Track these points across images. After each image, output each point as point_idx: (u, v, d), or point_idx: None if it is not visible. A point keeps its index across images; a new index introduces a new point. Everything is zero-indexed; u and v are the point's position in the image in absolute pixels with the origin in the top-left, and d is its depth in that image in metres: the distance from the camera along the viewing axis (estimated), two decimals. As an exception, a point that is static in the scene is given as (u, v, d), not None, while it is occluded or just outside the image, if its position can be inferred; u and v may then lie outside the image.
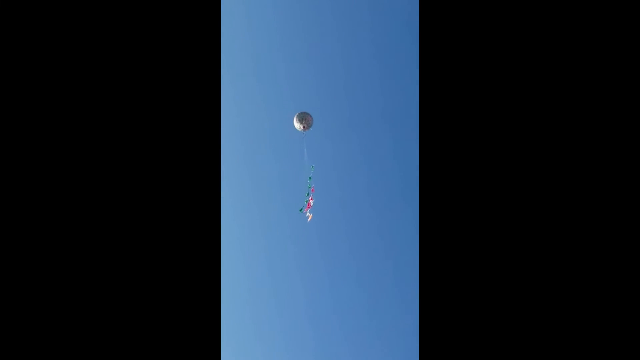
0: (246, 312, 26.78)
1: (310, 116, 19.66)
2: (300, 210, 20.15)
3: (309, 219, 19.99)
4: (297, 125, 19.79)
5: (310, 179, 20.21)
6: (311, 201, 20.12)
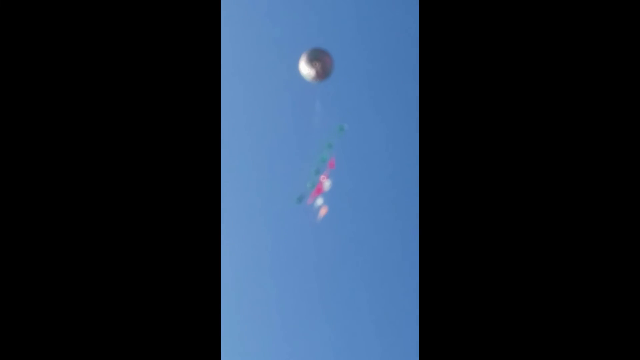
0: (246, 310, 24.47)
1: (328, 56, 12.30)
2: (299, 201, 12.27)
3: (321, 214, 12.15)
4: (307, 70, 12.36)
5: (329, 145, 12.53)
6: (325, 181, 12.40)
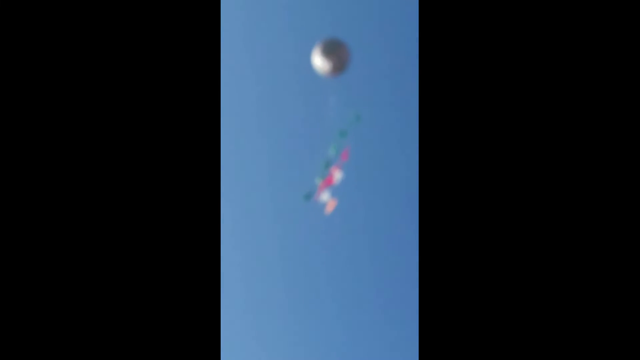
0: (246, 310, 23.87)
1: (344, 48, 11.12)
2: (308, 198, 11.63)
3: (328, 207, 11.55)
4: (322, 63, 11.13)
5: (343, 134, 11.65)
6: (336, 174, 11.68)
